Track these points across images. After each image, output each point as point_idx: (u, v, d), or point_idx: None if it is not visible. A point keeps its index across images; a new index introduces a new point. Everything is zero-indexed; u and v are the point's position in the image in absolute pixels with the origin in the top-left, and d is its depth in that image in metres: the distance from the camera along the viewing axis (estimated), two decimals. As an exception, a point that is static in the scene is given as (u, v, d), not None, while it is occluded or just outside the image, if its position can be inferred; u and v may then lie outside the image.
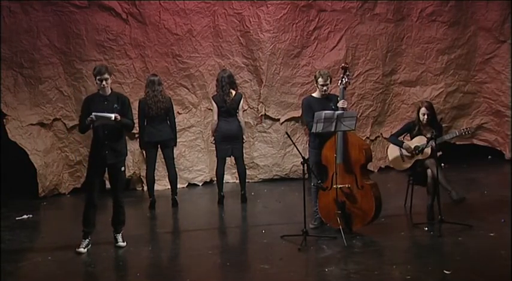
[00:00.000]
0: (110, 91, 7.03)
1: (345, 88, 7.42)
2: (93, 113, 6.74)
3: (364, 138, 11.04)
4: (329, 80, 7.43)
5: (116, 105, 6.95)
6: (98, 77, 6.92)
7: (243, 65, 10.77)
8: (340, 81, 7.45)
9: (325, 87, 7.41)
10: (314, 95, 7.58)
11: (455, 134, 7.87)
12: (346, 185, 7.17)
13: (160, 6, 10.44)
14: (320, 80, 7.41)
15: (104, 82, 6.91)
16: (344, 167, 7.19)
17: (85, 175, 7.47)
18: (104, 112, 6.80)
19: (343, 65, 7.66)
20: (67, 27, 10.15)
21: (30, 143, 9.95)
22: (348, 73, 7.48)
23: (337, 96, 7.44)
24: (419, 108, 7.77)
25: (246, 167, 9.43)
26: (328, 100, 7.45)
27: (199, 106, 10.73)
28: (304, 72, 10.86)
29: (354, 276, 5.82)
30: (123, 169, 7.13)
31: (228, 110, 8.82)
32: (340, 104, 7.29)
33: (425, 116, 7.68)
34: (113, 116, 6.77)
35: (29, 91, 10.05)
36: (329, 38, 10.97)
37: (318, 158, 7.38)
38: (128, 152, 10.31)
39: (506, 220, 7.36)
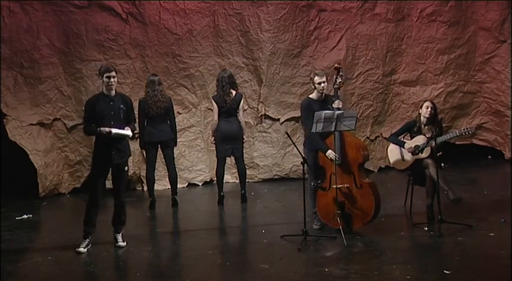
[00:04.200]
0: (114, 92, 6.98)
1: (338, 88, 7.37)
2: (112, 131, 6.75)
3: (364, 138, 11.05)
4: (325, 77, 7.39)
5: (121, 106, 6.92)
6: (105, 74, 6.82)
7: (243, 65, 10.78)
8: (333, 82, 7.41)
9: (323, 85, 7.35)
10: (311, 96, 7.52)
11: (455, 133, 7.85)
12: (345, 185, 7.17)
13: (160, 6, 10.45)
14: (316, 78, 7.36)
15: (112, 79, 6.82)
16: (342, 167, 7.19)
17: (88, 175, 7.43)
18: (110, 113, 6.82)
19: (336, 65, 7.57)
20: (67, 27, 10.16)
21: (30, 143, 9.95)
22: (341, 73, 7.39)
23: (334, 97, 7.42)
24: (423, 103, 7.78)
25: (246, 167, 9.42)
26: (326, 101, 7.39)
27: (199, 106, 10.74)
28: (304, 72, 10.86)
29: (354, 276, 5.81)
30: (126, 168, 7.15)
31: (228, 110, 8.82)
32: (335, 105, 7.23)
33: (429, 109, 7.67)
34: (130, 133, 6.89)
35: (29, 91, 10.05)
36: (329, 38, 10.97)
37: (315, 159, 7.37)
38: (128, 152, 10.43)
39: (506, 220, 7.35)
